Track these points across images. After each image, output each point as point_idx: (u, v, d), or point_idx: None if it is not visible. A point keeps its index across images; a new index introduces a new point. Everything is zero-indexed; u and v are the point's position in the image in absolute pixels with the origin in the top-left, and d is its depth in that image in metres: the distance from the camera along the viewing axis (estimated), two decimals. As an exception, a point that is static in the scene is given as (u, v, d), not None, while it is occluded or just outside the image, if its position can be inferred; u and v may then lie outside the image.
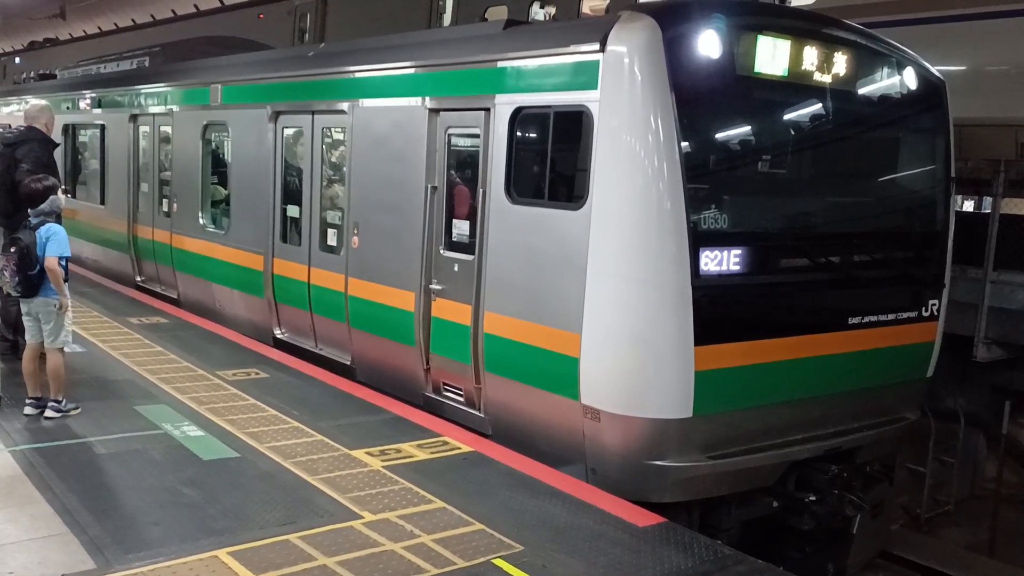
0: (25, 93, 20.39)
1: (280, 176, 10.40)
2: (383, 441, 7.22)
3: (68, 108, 16.72)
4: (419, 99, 8.19)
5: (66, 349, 7.52)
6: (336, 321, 9.36)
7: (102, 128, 15.19)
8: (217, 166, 12.32)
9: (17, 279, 7.15)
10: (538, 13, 18.12)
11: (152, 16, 35.56)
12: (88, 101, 15.86)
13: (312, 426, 7.49)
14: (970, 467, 10.97)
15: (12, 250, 7.16)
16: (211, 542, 5.27)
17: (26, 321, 7.52)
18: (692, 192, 6.25)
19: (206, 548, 5.19)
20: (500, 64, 7.38)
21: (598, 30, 6.53)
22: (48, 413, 7.34)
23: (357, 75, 9.18)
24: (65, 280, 7.28)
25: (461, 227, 7.88)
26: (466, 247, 7.74)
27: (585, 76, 6.56)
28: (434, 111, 8.04)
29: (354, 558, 5.17)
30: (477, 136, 7.63)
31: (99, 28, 40.22)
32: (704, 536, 5.91)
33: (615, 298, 6.43)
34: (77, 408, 7.51)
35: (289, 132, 10.35)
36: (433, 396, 8.22)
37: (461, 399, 7.93)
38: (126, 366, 9.09)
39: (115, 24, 38.91)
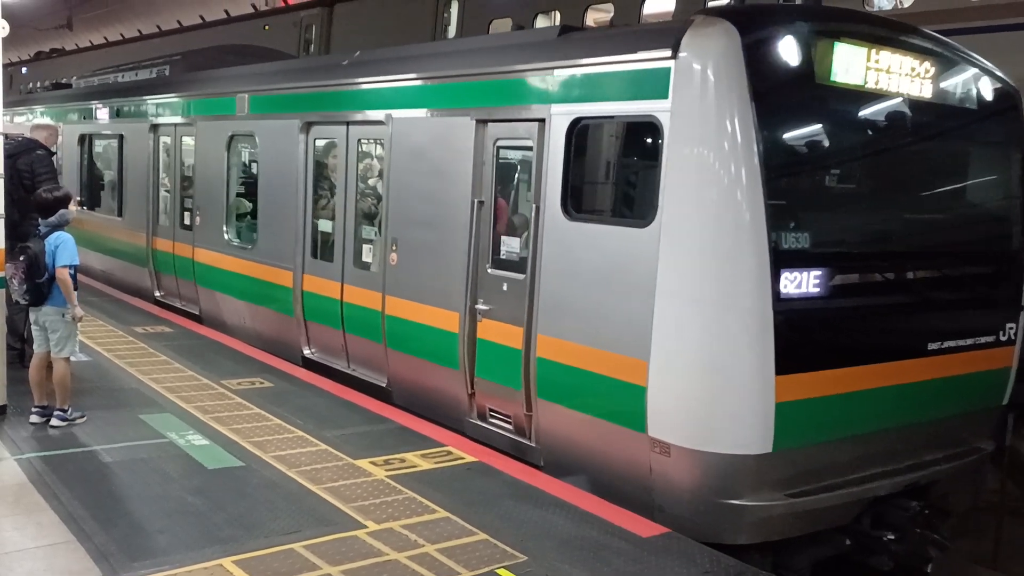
0: (40, 103, 20.11)
1: (311, 189, 9.99)
2: (387, 451, 7.23)
3: (85, 118, 16.38)
4: (465, 109, 7.79)
5: (72, 358, 7.55)
6: (371, 341, 8.95)
7: (120, 138, 14.81)
8: (242, 178, 11.96)
9: (25, 287, 7.19)
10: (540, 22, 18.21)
11: (158, 27, 35.78)
12: (106, 110, 15.44)
13: (316, 435, 7.51)
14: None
15: (21, 258, 7.20)
16: (216, 550, 5.29)
17: (34, 330, 7.55)
18: (772, 208, 5.78)
19: (211, 556, 5.20)
20: (556, 73, 6.97)
21: (669, 36, 6.11)
22: (54, 422, 7.37)
23: (397, 84, 8.76)
24: (75, 289, 7.32)
25: (510, 244, 7.47)
26: (516, 265, 7.35)
27: (654, 84, 6.14)
28: (482, 122, 7.62)
29: (358, 567, 5.18)
30: (530, 148, 7.21)
31: (105, 39, 40.45)
32: (707, 547, 5.87)
33: (688, 322, 5.97)
34: (83, 417, 7.53)
35: (321, 143, 9.99)
36: (477, 422, 7.78)
37: (509, 426, 7.48)
38: (131, 375, 9.12)
39: (121, 35, 39.15)
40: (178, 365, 9.63)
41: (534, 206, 7.03)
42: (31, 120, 17.25)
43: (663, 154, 6.03)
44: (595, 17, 16.83)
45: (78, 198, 8.29)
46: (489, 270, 7.59)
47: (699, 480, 6.01)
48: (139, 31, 37.42)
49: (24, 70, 45.79)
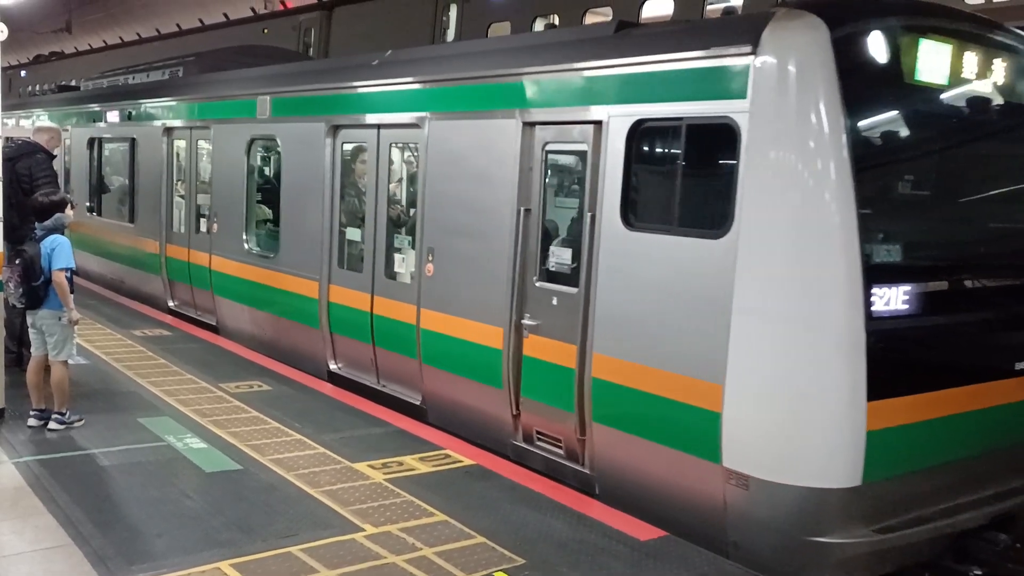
0: (44, 106, 19.70)
1: (337, 196, 9.47)
2: (385, 454, 7.23)
3: (94, 121, 15.92)
4: (511, 111, 7.26)
5: (70, 361, 7.55)
6: (404, 356, 8.45)
7: (132, 141, 14.26)
8: (263, 184, 11.51)
9: (21, 290, 7.20)
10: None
11: (157, 31, 35.82)
12: (116, 113, 14.91)
13: (314, 439, 7.50)
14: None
15: (17, 262, 7.21)
16: (214, 554, 5.28)
17: (31, 333, 7.56)
18: (863, 218, 5.31)
19: (209, 560, 5.20)
20: (615, 71, 6.47)
21: (747, 30, 5.65)
22: (52, 425, 7.37)
23: (434, 85, 8.24)
24: (71, 292, 7.32)
25: (561, 255, 6.96)
26: (567, 278, 6.86)
27: (730, 83, 5.67)
28: (529, 124, 7.14)
29: (356, 571, 5.18)
30: (583, 153, 6.73)
31: (104, 42, 40.50)
32: (705, 551, 5.84)
33: (770, 342, 5.49)
34: (81, 420, 7.53)
35: (349, 147, 9.48)
36: (523, 445, 7.32)
37: (560, 451, 7.01)
38: (129, 378, 9.11)
39: (120, 38, 39.18)
40: (176, 369, 9.63)
41: (588, 215, 6.56)
42: (38, 123, 17.18)
43: (740, 159, 5.55)
44: (594, 21, 16.84)
45: (74, 202, 8.09)
46: (537, 283, 7.11)
47: (781, 516, 5.52)
48: (138, 34, 37.46)
49: (23, 73, 45.84)
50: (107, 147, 15.74)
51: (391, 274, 8.80)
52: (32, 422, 7.42)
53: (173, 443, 7.20)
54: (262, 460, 6.92)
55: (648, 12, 16.15)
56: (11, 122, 19.59)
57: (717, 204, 5.82)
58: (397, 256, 8.79)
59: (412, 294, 8.29)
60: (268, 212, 11.34)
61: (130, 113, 14.38)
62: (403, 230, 8.86)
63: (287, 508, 6.04)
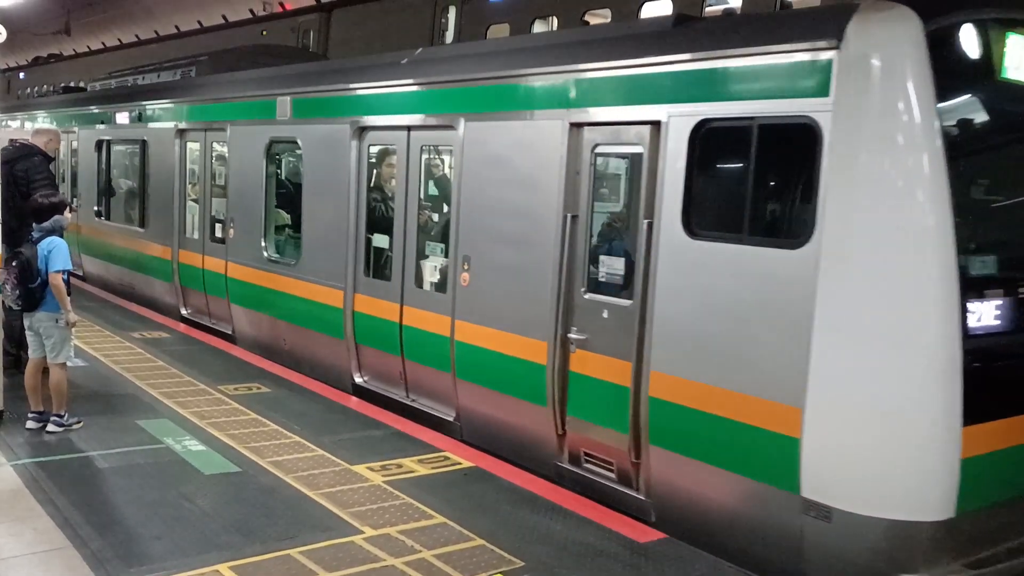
0: (49, 107, 19.25)
1: (363, 201, 9.03)
2: (384, 456, 7.22)
3: (102, 122, 15.47)
4: (556, 111, 6.85)
5: (68, 363, 7.55)
6: (436, 370, 8.06)
7: (143, 144, 13.78)
8: (283, 188, 11.01)
9: (18, 292, 7.19)
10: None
11: (156, 32, 35.85)
12: (126, 114, 14.51)
13: (313, 441, 7.49)
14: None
15: (13, 263, 7.20)
16: (212, 556, 5.27)
17: (28, 336, 7.54)
18: (959, 226, 4.91)
19: (207, 562, 5.19)
20: (675, 68, 6.05)
21: (829, 22, 5.24)
22: (50, 427, 7.36)
23: (470, 84, 7.78)
24: (68, 294, 7.31)
25: (612, 265, 6.56)
26: (619, 290, 6.47)
27: (810, 80, 5.26)
28: (576, 125, 6.70)
29: (355, 573, 5.17)
30: (638, 156, 6.30)
31: (103, 44, 40.53)
32: (704, 553, 5.83)
33: (856, 362, 5.05)
34: (79, 422, 7.52)
35: (376, 150, 9.06)
36: (568, 467, 6.92)
37: (611, 474, 6.60)
38: (128, 380, 9.10)
39: (119, 40, 39.21)
40: (175, 370, 9.62)
41: (645, 222, 6.15)
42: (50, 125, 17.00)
43: (821, 161, 5.13)
44: (593, 22, 16.86)
45: (71, 206, 8.00)
46: (585, 294, 6.68)
47: (866, 551, 5.10)
48: (136, 36, 37.49)
49: (22, 75, 45.88)
50: (116, 149, 15.38)
51: (422, 283, 8.41)
52: (30, 424, 7.41)
53: (172, 445, 7.19)
54: (261, 462, 6.91)
55: (646, 14, 16.16)
56: (15, 124, 19.50)
57: (795, 211, 5.49)
58: (429, 265, 8.39)
59: (446, 305, 7.88)
60: (288, 217, 10.90)
61: (140, 114, 14.05)
62: (435, 237, 8.45)
63: (286, 510, 6.03)
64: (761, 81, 5.56)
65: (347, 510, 6.06)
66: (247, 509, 6.03)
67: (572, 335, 6.72)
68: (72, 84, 24.46)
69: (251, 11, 29.71)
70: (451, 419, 7.97)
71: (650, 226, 6.10)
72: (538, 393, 6.95)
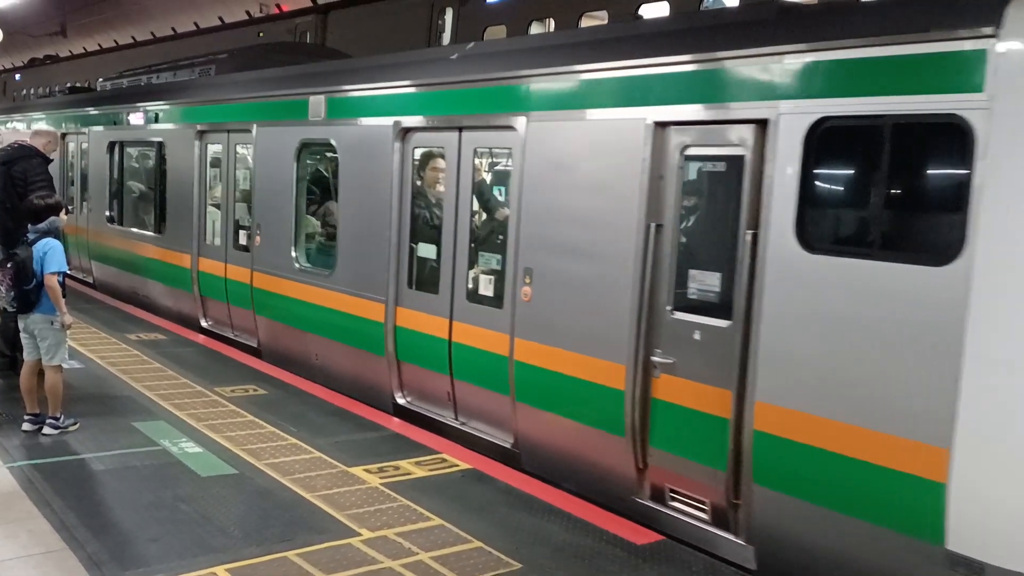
0: (55, 108, 18.63)
1: (407, 207, 8.41)
2: (381, 458, 7.21)
3: (115, 123, 14.83)
4: (638, 109, 6.22)
5: (64, 365, 7.53)
6: (491, 392, 7.47)
7: (159, 146, 13.20)
8: (316, 193, 10.49)
9: (13, 294, 7.17)
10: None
11: (152, 34, 35.84)
12: (141, 115, 13.87)
13: (310, 443, 7.48)
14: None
15: (8, 265, 7.19)
16: (209, 559, 5.26)
17: (23, 338, 7.52)
18: None
19: (204, 565, 5.17)
20: (786, 60, 5.38)
21: (982, 7, 4.65)
22: (46, 430, 7.33)
23: (535, 80, 7.11)
24: (63, 296, 7.29)
25: (706, 281, 5.90)
26: (715, 309, 5.81)
27: (958, 72, 4.65)
28: (662, 125, 6.08)
29: (352, 575, 5.16)
30: (739, 158, 5.65)
31: (99, 45, 40.50)
32: (702, 554, 5.83)
33: (1014, 396, 4.47)
34: (75, 424, 7.50)
35: (421, 152, 8.44)
36: (650, 504, 6.28)
37: (703, 515, 5.97)
38: (124, 382, 9.08)
39: (115, 41, 39.18)
40: (171, 372, 9.60)
41: (748, 233, 5.51)
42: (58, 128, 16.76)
43: (974, 165, 4.53)
44: (589, 24, 16.87)
45: (68, 207, 7.89)
46: (673, 313, 6.04)
47: None
48: (133, 38, 37.48)
49: (18, 77, 45.85)
50: (130, 151, 14.82)
51: (476, 297, 7.68)
52: (26, 427, 7.38)
53: (168, 447, 7.18)
54: (258, 464, 6.89)
55: (645, 15, 16.17)
56: (21, 125, 19.31)
57: (941, 222, 4.85)
58: (483, 277, 7.68)
59: (503, 321, 7.24)
60: (321, 225, 10.41)
61: (157, 115, 13.43)
62: (490, 248, 7.76)
63: (283, 513, 6.01)
64: (895, 75, 4.92)
65: (344, 512, 6.05)
66: (244, 511, 6.01)
67: (656, 358, 6.10)
68: (77, 84, 24.27)
69: (248, 13, 29.72)
70: (508, 446, 7.38)
71: (755, 237, 5.47)
72: (614, 422, 6.33)
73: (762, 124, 5.48)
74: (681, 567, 5.58)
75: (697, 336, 5.88)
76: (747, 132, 5.59)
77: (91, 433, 7.41)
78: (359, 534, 5.72)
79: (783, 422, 5.32)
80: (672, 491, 6.19)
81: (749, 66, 5.62)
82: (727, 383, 5.65)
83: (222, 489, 6.38)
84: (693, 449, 5.93)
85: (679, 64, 6.06)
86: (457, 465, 7.16)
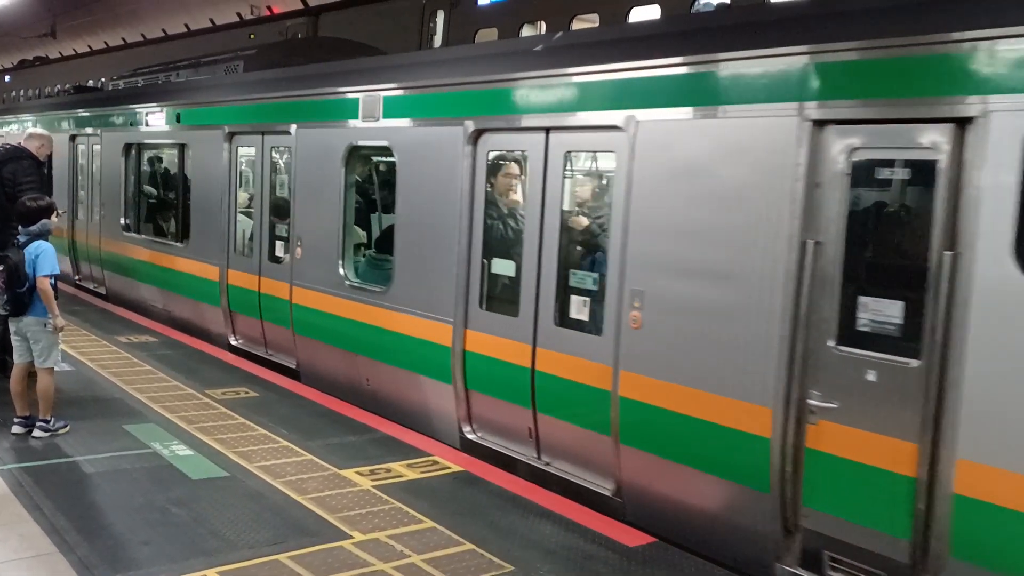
0: (62, 109, 17.58)
1: (479, 218, 7.51)
2: (373, 460, 7.20)
3: (131, 124, 13.80)
4: (788, 105, 5.29)
5: (57, 368, 7.51)
6: (586, 430, 6.62)
7: (181, 148, 12.44)
8: (368, 201, 9.83)
9: (5, 297, 7.15)
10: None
11: (143, 35, 35.77)
12: (161, 115, 12.93)
13: (302, 445, 7.47)
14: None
15: (0, 268, 7.16)
16: (200, 562, 5.25)
17: (14, 341, 7.50)
18: None
19: (195, 568, 5.16)
20: (999, 45, 4.47)
21: None
22: (36, 432, 7.31)
23: (647, 73, 6.17)
24: (55, 298, 7.27)
25: (884, 311, 4.95)
26: (895, 344, 4.89)
27: None
28: (819, 123, 5.16)
29: (344, 578, 5.17)
30: (930, 164, 4.75)
31: (89, 47, 40.41)
32: (694, 556, 5.83)
33: None
34: (66, 427, 7.47)
35: (496, 156, 7.56)
36: (800, 573, 5.36)
37: None
38: (115, 385, 9.06)
39: (105, 43, 39.10)
40: (162, 375, 9.58)
41: (947, 254, 4.64)
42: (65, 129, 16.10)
43: None
44: (580, 27, 16.91)
45: (59, 211, 7.76)
46: (837, 348, 5.12)
47: None
48: (123, 40, 37.41)
49: (7, 78, 45.69)
50: (147, 155, 14.01)
51: (568, 322, 6.82)
52: (16, 430, 7.36)
53: (159, 450, 7.16)
54: (249, 467, 6.88)
55: (635, 17, 16.22)
56: (27, 126, 19.03)
57: None
58: (576, 299, 6.80)
59: (603, 350, 6.37)
60: (373, 237, 9.70)
61: (179, 115, 12.43)
62: (584, 265, 6.87)
63: (274, 515, 6.00)
64: None
65: (336, 515, 6.05)
66: (235, 514, 6.00)
67: (813, 401, 5.17)
68: (82, 84, 24.01)
69: (238, 14, 29.72)
70: (608, 494, 6.50)
71: (955, 259, 4.61)
72: (755, 474, 5.44)
73: (962, 123, 4.63)
74: (673, 570, 5.59)
75: (871, 377, 4.97)
76: (942, 132, 4.70)
77: (81, 436, 7.39)
78: (351, 537, 5.72)
79: (996, 486, 4.45)
80: (834, 560, 5.25)
81: (945, 54, 4.70)
82: (914, 435, 4.76)
83: (213, 492, 6.37)
84: (864, 513, 5.04)
85: (841, 51, 5.13)
86: (449, 467, 7.16)
